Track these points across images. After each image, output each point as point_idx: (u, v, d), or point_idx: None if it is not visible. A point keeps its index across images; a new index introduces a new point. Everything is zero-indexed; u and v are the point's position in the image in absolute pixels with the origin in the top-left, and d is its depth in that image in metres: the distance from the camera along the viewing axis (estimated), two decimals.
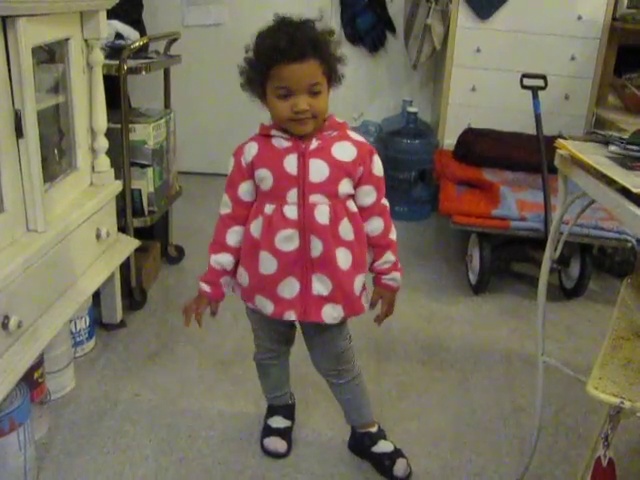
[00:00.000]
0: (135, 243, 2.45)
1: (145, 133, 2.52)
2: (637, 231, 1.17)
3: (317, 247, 1.52)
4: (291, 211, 1.51)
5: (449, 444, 1.95)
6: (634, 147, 1.39)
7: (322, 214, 1.51)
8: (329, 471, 1.82)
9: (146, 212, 2.60)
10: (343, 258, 1.54)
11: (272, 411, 1.94)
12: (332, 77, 1.49)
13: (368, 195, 1.57)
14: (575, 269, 2.85)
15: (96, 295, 2.33)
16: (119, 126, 2.39)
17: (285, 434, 1.90)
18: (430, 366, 2.34)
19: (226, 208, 1.60)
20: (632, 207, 1.14)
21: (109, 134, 2.24)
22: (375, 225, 1.60)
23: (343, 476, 1.81)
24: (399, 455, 1.81)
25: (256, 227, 1.55)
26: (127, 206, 2.48)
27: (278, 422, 1.92)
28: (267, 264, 1.55)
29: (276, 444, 1.87)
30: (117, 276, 2.40)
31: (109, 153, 2.26)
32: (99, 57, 2.14)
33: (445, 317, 2.71)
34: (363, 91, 4.22)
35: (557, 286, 2.94)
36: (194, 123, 4.11)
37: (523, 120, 3.31)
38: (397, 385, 2.22)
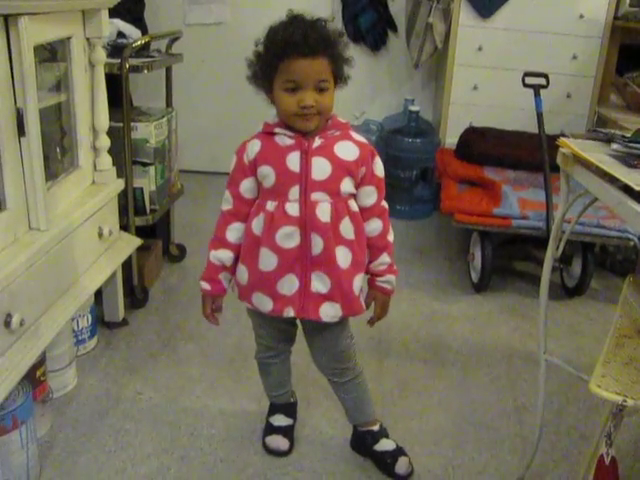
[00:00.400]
0: (137, 241, 2.45)
1: (147, 132, 2.52)
2: (639, 229, 1.16)
3: (317, 245, 1.52)
4: (292, 208, 1.51)
5: (451, 442, 1.95)
6: (636, 145, 1.39)
7: (323, 212, 1.51)
8: (331, 469, 1.82)
9: (148, 210, 2.60)
10: (343, 257, 1.55)
11: (274, 409, 1.94)
12: (339, 77, 1.50)
13: (369, 196, 1.57)
14: (577, 267, 2.85)
15: (98, 293, 2.33)
16: (121, 124, 2.38)
17: (287, 432, 1.90)
18: (432, 364, 2.35)
19: (227, 204, 1.61)
20: (634, 205, 1.14)
21: (111, 133, 2.24)
22: (374, 226, 1.60)
23: (345, 474, 1.81)
24: (401, 453, 1.81)
25: (257, 224, 1.55)
26: (129, 204, 2.48)
27: (280, 420, 1.92)
28: (267, 261, 1.55)
29: (278, 442, 1.87)
30: (119, 274, 2.40)
31: (111, 151, 2.26)
32: (101, 56, 2.14)
33: (447, 315, 2.71)
34: (365, 90, 4.21)
35: (559, 284, 2.94)
36: (196, 121, 4.11)
37: (525, 119, 3.31)
38: (398, 383, 2.22)
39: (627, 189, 1.18)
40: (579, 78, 3.61)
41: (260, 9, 3.89)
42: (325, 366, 1.76)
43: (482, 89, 3.66)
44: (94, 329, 2.32)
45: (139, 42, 2.45)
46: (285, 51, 1.42)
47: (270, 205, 1.53)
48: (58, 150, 2.11)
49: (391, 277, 1.65)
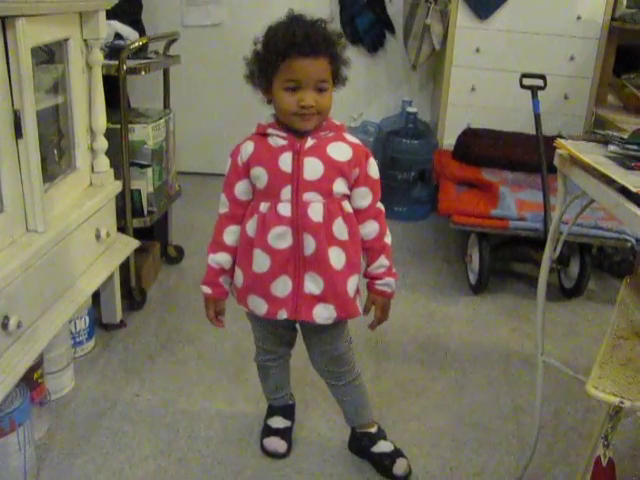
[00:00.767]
0: (135, 243, 2.45)
1: (144, 133, 2.52)
2: (636, 230, 1.17)
3: (310, 245, 1.52)
4: (285, 208, 1.51)
5: (448, 444, 1.95)
6: (633, 147, 1.39)
7: (316, 212, 1.51)
8: (329, 471, 1.82)
9: (145, 212, 2.60)
10: (336, 257, 1.54)
11: (272, 411, 1.94)
12: (337, 78, 1.51)
13: (364, 197, 1.57)
14: (574, 269, 2.86)
15: (96, 295, 2.32)
16: (118, 126, 2.38)
17: (285, 434, 1.90)
18: (429, 366, 2.35)
19: (224, 208, 1.61)
20: (631, 206, 1.14)
21: (108, 134, 2.24)
22: (370, 228, 1.59)
23: (342, 476, 1.80)
24: (399, 455, 1.81)
25: (251, 226, 1.56)
26: (127, 206, 2.48)
27: (278, 422, 1.91)
28: (260, 262, 1.55)
29: (276, 444, 1.87)
30: (117, 276, 2.40)
31: (108, 153, 2.26)
32: (98, 57, 2.14)
33: (444, 317, 2.71)
34: (362, 91, 4.22)
35: (557, 286, 2.94)
36: (193, 123, 4.11)
37: (522, 120, 3.32)
38: (396, 385, 2.22)
39: (624, 191, 1.19)
40: (577, 79, 3.61)
41: (257, 11, 3.90)
42: (323, 369, 1.76)
43: (480, 90, 3.66)
44: (92, 331, 2.31)
45: (136, 44, 2.45)
46: (287, 50, 1.42)
47: (263, 206, 1.54)
48: (55, 152, 2.11)
49: (390, 280, 1.64)
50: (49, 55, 2.01)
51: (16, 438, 1.62)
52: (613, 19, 3.48)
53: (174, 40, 2.88)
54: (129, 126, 2.45)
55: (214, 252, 1.63)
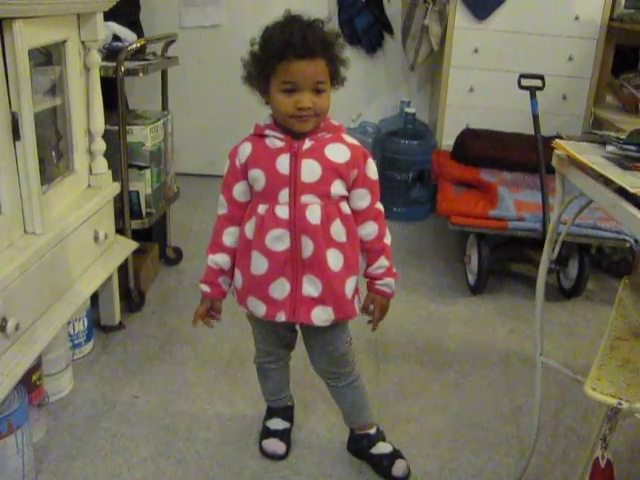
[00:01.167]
0: (133, 245, 2.45)
1: (143, 135, 2.51)
2: (634, 231, 1.17)
3: (308, 247, 1.52)
4: (282, 211, 1.51)
5: (447, 445, 1.95)
6: (631, 147, 1.39)
7: (313, 214, 1.50)
8: (328, 473, 1.82)
9: (144, 214, 2.59)
10: (334, 259, 1.54)
11: (271, 413, 1.94)
12: (335, 78, 1.50)
13: (362, 198, 1.56)
14: (573, 269, 2.85)
15: (94, 297, 2.32)
16: (116, 128, 2.38)
17: (284, 436, 1.89)
18: (428, 367, 2.34)
19: (222, 209, 1.61)
20: (629, 207, 1.14)
21: (106, 136, 2.24)
22: (369, 229, 1.59)
23: (341, 478, 1.80)
24: (398, 456, 1.81)
25: (249, 227, 1.56)
26: (125, 208, 2.47)
27: (277, 424, 1.91)
28: (258, 264, 1.55)
29: (275, 446, 1.86)
30: (115, 278, 2.39)
31: (106, 155, 2.26)
32: (96, 59, 2.14)
33: (443, 318, 2.70)
34: (361, 92, 4.21)
35: (555, 286, 2.94)
36: (192, 124, 4.11)
37: (521, 120, 3.31)
38: (395, 386, 2.22)
39: (622, 191, 1.19)
40: (575, 79, 3.62)
41: (256, 12, 3.89)
42: (323, 370, 1.76)
43: (478, 91, 3.66)
44: (90, 333, 2.31)
45: (134, 45, 2.45)
46: (283, 52, 1.41)
47: (261, 208, 1.53)
48: (53, 154, 2.11)
49: (390, 280, 1.64)
50: (47, 57, 2.01)
51: (14, 440, 1.62)
52: (611, 19, 3.48)
53: (172, 41, 2.88)
54: (127, 128, 2.44)
55: (213, 253, 1.63)
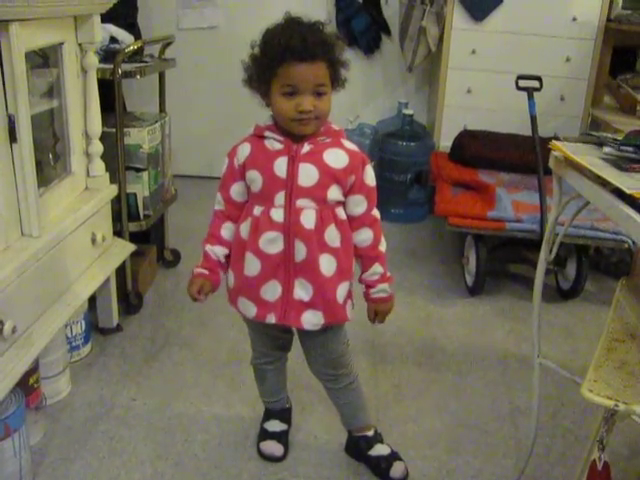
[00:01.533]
0: (131, 247, 2.45)
1: (140, 137, 2.51)
2: (631, 232, 1.16)
3: (301, 252, 1.52)
4: (277, 214, 1.51)
5: (445, 446, 1.95)
6: (628, 148, 1.39)
7: (308, 219, 1.50)
8: (325, 474, 1.81)
9: (141, 216, 2.59)
10: (327, 264, 1.54)
11: (268, 415, 1.94)
12: (336, 80, 1.49)
13: (358, 205, 1.55)
14: (571, 270, 2.85)
15: (92, 299, 2.32)
16: (114, 130, 2.38)
17: (281, 438, 1.89)
18: (426, 368, 2.34)
19: (220, 205, 1.61)
20: (626, 208, 1.14)
21: (104, 138, 2.24)
22: (364, 236, 1.58)
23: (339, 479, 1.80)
24: (396, 458, 1.81)
25: (245, 228, 1.56)
26: (122, 210, 2.47)
27: (274, 426, 1.91)
28: (251, 266, 1.56)
29: (272, 448, 1.86)
30: (113, 280, 2.39)
31: (104, 157, 2.26)
32: (93, 61, 2.13)
33: (441, 319, 2.70)
34: (358, 93, 4.21)
35: (553, 287, 2.94)
36: (189, 126, 4.11)
37: (519, 121, 3.31)
38: (393, 387, 2.22)
39: (619, 192, 1.18)
40: (572, 80, 3.62)
41: (253, 13, 3.90)
42: (320, 372, 1.76)
43: (476, 92, 3.67)
44: (88, 335, 2.31)
45: (131, 47, 2.44)
46: (284, 55, 1.40)
47: (257, 210, 1.53)
48: (50, 156, 2.10)
49: (384, 285, 1.63)
50: (44, 59, 2.01)
51: (11, 444, 1.62)
52: (609, 20, 3.48)
53: (169, 43, 2.88)
54: (125, 130, 2.45)
55: (212, 244, 1.63)
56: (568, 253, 2.86)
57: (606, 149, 1.41)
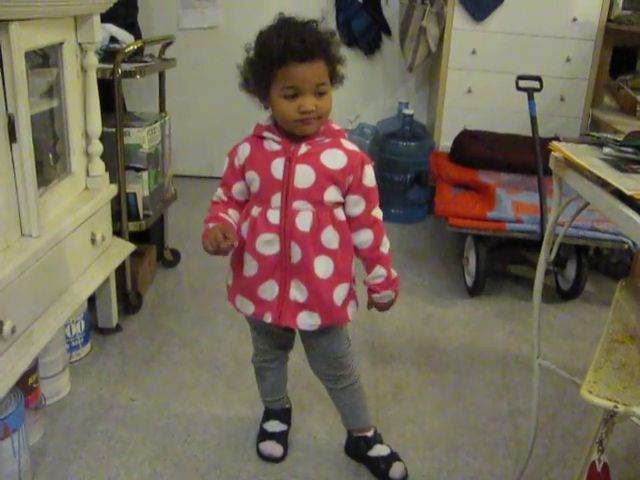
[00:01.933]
0: (130, 247, 2.44)
1: (140, 137, 2.51)
2: (630, 233, 1.16)
3: (296, 254, 1.51)
4: (274, 216, 1.51)
5: (445, 447, 1.95)
6: (628, 149, 1.39)
7: (303, 221, 1.50)
8: (325, 475, 1.81)
9: (141, 216, 2.59)
10: (322, 267, 1.53)
11: (268, 415, 1.94)
12: (335, 78, 1.49)
13: (356, 205, 1.53)
14: (571, 271, 2.85)
15: (91, 299, 2.32)
16: (114, 130, 2.38)
17: (281, 438, 1.89)
18: (426, 369, 2.34)
19: (220, 198, 1.60)
20: (626, 209, 1.14)
21: (104, 138, 2.24)
22: (364, 237, 1.56)
23: None
24: (395, 459, 1.81)
25: (244, 228, 1.56)
26: (122, 210, 2.47)
27: (274, 426, 1.91)
28: (248, 266, 1.56)
29: (272, 448, 1.86)
30: (112, 280, 2.39)
31: (104, 157, 2.26)
32: (93, 61, 2.13)
33: (441, 319, 2.70)
34: (359, 93, 4.21)
35: (553, 288, 2.94)
36: (189, 126, 4.11)
37: (519, 122, 3.32)
38: (393, 388, 2.21)
39: (619, 193, 1.18)
40: (573, 81, 3.62)
41: (253, 13, 3.87)
42: (322, 372, 1.75)
43: (476, 92, 3.66)
44: (87, 335, 2.31)
45: (132, 47, 2.44)
46: (282, 57, 1.39)
47: (255, 211, 1.53)
48: (50, 156, 2.10)
49: (388, 292, 1.61)
50: (43, 59, 2.01)
51: (10, 444, 1.62)
52: (609, 20, 3.48)
53: (170, 43, 2.88)
54: (124, 130, 2.45)
55: (221, 213, 1.56)
56: (568, 254, 2.86)
57: (606, 150, 1.41)
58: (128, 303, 2.58)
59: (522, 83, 2.88)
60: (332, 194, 1.50)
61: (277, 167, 1.49)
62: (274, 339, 1.76)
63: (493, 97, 3.63)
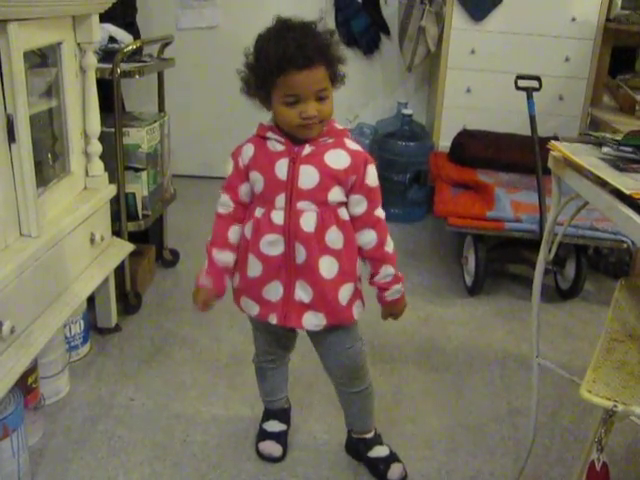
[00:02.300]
0: (129, 247, 2.44)
1: (139, 137, 2.51)
2: (630, 232, 1.16)
3: (301, 254, 1.51)
4: (278, 216, 1.50)
5: (444, 446, 1.95)
6: (627, 148, 1.39)
7: (308, 221, 1.49)
8: (324, 475, 1.81)
9: (140, 216, 2.59)
10: (327, 267, 1.52)
11: (268, 415, 1.93)
12: (335, 79, 1.48)
13: (358, 204, 1.53)
14: (570, 270, 2.85)
15: (91, 299, 2.32)
16: (113, 130, 2.38)
17: (280, 438, 1.89)
18: (425, 368, 2.34)
19: (226, 209, 1.58)
20: (624, 209, 1.14)
21: (103, 138, 2.24)
22: (368, 237, 1.56)
23: None
24: (394, 460, 1.81)
25: (248, 229, 1.55)
26: (121, 210, 2.47)
27: (273, 426, 1.91)
28: (253, 267, 1.55)
29: (271, 448, 1.86)
30: (112, 280, 2.39)
31: (103, 157, 2.26)
32: (92, 61, 2.13)
33: (440, 319, 2.70)
34: (358, 93, 4.21)
35: (553, 287, 2.94)
36: (188, 126, 4.10)
37: (518, 121, 3.31)
38: (392, 387, 2.21)
39: (618, 193, 1.18)
40: (572, 80, 3.62)
41: (252, 13, 3.89)
42: (335, 374, 1.73)
43: (475, 92, 3.66)
44: (87, 335, 2.31)
45: (130, 47, 2.44)
46: (281, 65, 1.38)
47: (258, 212, 1.53)
48: (49, 156, 2.10)
49: (397, 286, 1.62)
50: (42, 59, 2.01)
51: (10, 444, 1.62)
52: (608, 20, 3.48)
53: (168, 43, 2.88)
54: (123, 129, 2.44)
55: (219, 249, 1.58)
56: (567, 253, 2.86)
57: (605, 149, 1.41)
58: (127, 303, 2.58)
59: (521, 83, 2.88)
60: (336, 194, 1.50)
61: (281, 168, 1.48)
62: (276, 340, 1.76)
63: (492, 97, 3.63)
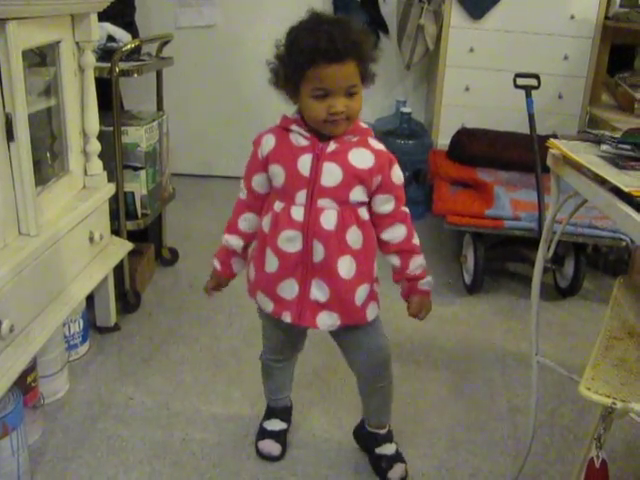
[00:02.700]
0: (128, 246, 2.44)
1: (138, 136, 2.51)
2: (629, 230, 1.16)
3: (319, 252, 1.50)
4: (297, 212, 1.49)
5: (444, 444, 1.95)
6: (626, 146, 1.39)
7: (328, 219, 1.48)
8: (324, 473, 1.81)
9: (139, 215, 2.59)
10: (346, 266, 1.51)
11: (270, 413, 1.93)
12: (366, 78, 1.46)
13: (386, 203, 1.53)
14: (569, 268, 2.85)
15: (90, 298, 2.32)
16: (111, 129, 2.37)
17: (280, 437, 1.89)
18: (425, 367, 2.34)
19: (243, 194, 1.62)
20: (623, 206, 1.14)
21: (101, 137, 2.24)
22: (397, 232, 1.56)
23: (338, 479, 1.80)
24: (398, 460, 1.80)
25: (266, 223, 1.55)
26: (120, 209, 2.47)
27: (274, 425, 1.90)
28: (270, 262, 1.55)
29: (270, 447, 1.86)
30: (111, 279, 2.39)
31: (101, 156, 2.25)
32: (91, 60, 2.13)
33: (440, 317, 2.70)
34: None
35: (552, 285, 2.94)
36: (187, 125, 4.10)
37: (517, 119, 3.31)
38: None
39: (616, 190, 1.18)
40: (570, 78, 3.62)
41: (251, 12, 3.87)
42: (357, 369, 1.72)
43: (474, 90, 3.67)
44: (86, 334, 2.31)
45: (129, 46, 2.44)
46: (312, 58, 1.37)
47: (277, 206, 1.52)
48: (48, 155, 2.10)
49: (429, 277, 1.61)
50: (41, 57, 2.01)
51: (9, 443, 1.61)
52: (607, 18, 3.48)
53: (167, 42, 2.87)
54: (122, 128, 2.44)
55: (229, 233, 1.65)
56: (566, 251, 2.86)
57: (604, 147, 1.41)
58: (126, 302, 2.58)
59: (520, 81, 2.88)
60: (358, 194, 1.49)
61: (304, 163, 1.47)
62: (287, 338, 1.75)
63: (491, 95, 3.63)
